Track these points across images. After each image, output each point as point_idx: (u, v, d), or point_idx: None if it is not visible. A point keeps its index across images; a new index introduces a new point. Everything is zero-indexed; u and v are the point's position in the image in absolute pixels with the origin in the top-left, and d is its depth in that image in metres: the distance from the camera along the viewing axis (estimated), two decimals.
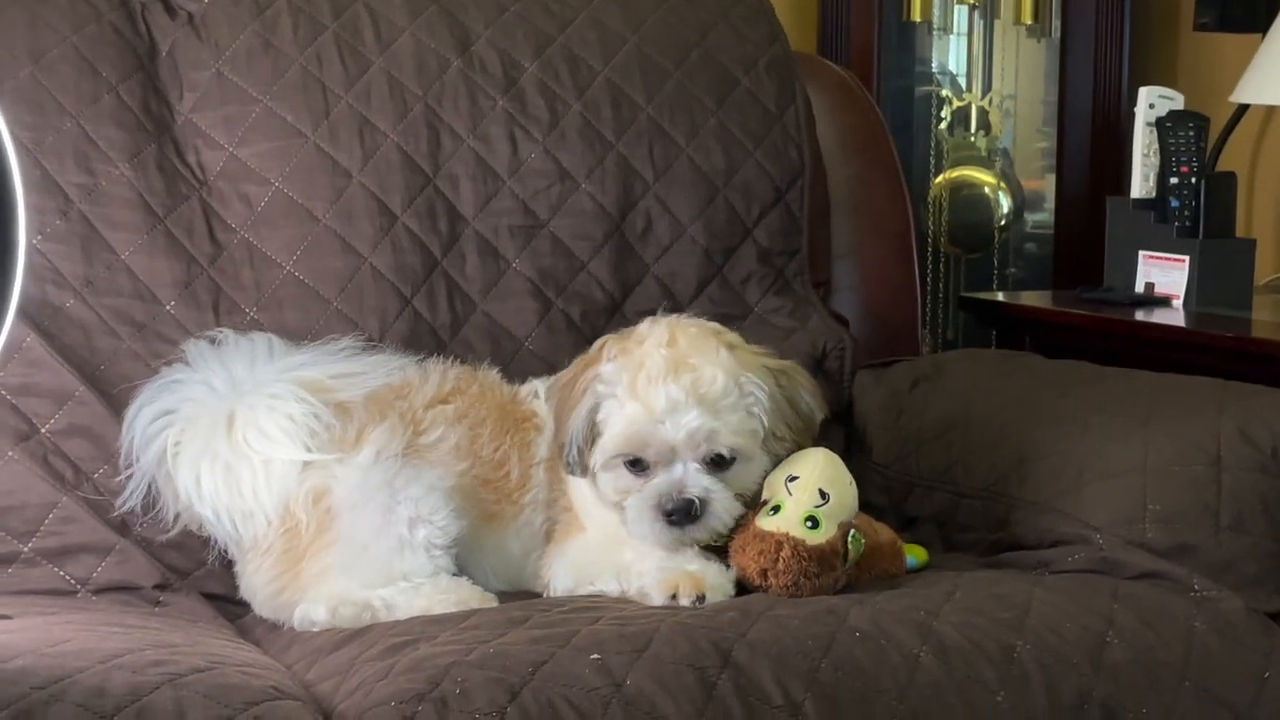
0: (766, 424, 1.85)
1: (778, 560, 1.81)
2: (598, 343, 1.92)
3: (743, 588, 1.84)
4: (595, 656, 1.62)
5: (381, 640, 1.71)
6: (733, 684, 1.61)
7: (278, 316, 2.14)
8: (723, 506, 1.83)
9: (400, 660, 1.63)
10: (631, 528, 1.84)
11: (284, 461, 1.88)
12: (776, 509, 1.84)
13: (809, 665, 1.62)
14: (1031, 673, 1.68)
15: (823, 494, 1.85)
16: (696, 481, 1.82)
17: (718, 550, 1.86)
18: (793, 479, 1.85)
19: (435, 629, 1.71)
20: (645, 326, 1.90)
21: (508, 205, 2.26)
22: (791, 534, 1.82)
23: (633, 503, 1.84)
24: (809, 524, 1.83)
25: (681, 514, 1.81)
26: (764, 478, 1.86)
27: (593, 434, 1.85)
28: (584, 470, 1.86)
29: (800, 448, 1.87)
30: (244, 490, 1.89)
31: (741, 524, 1.85)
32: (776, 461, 1.86)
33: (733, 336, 1.91)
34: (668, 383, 1.81)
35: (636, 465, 1.84)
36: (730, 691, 1.61)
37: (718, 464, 1.83)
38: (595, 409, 1.85)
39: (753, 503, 1.86)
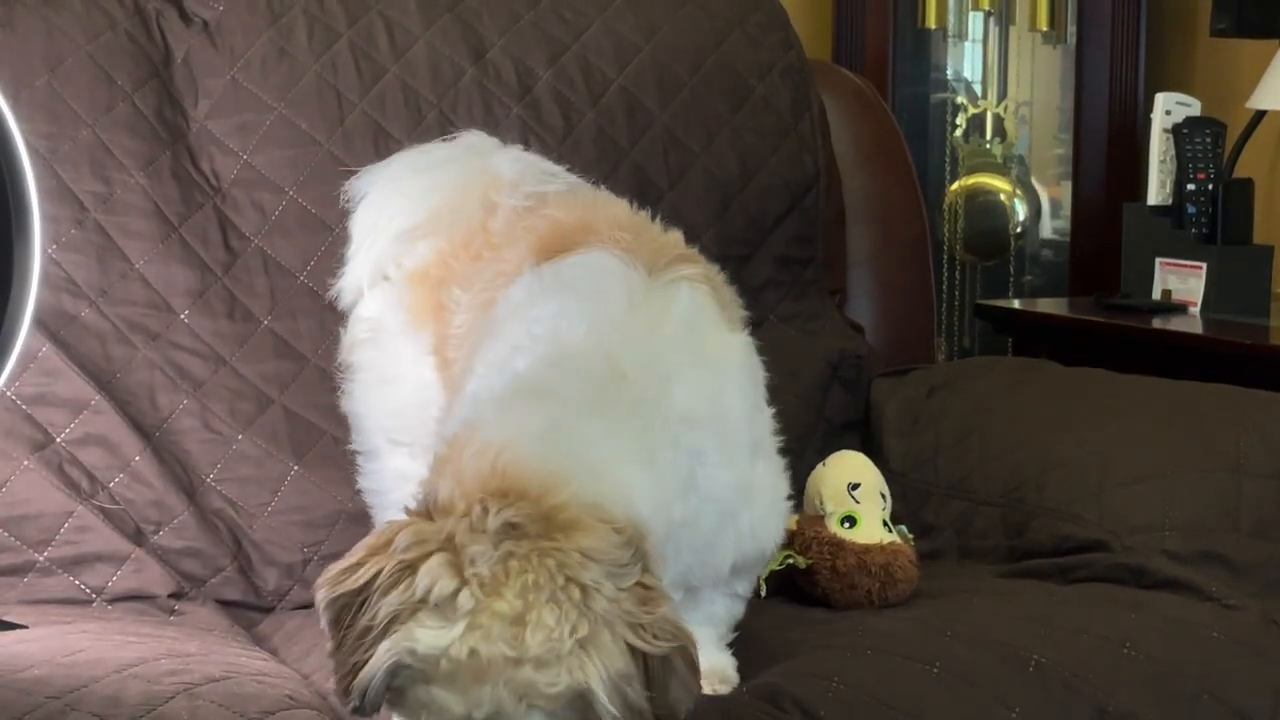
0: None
1: (895, 571, 1.81)
2: (386, 529, 1.42)
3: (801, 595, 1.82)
4: None
5: None
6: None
7: (292, 325, 2.13)
8: None
9: None
10: None
11: None
12: (851, 520, 1.84)
13: (822, 685, 1.59)
14: (1048, 686, 1.67)
15: (883, 496, 1.87)
16: None
17: (795, 575, 1.80)
18: (855, 486, 1.85)
19: None
20: (462, 526, 1.38)
21: None
22: (894, 542, 1.83)
23: None
24: (886, 529, 1.85)
25: None
26: None
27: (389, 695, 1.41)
28: (373, 712, 1.43)
29: None
30: None
31: (824, 545, 1.82)
32: None
33: (595, 573, 1.38)
34: (497, 685, 1.36)
35: None
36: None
37: None
38: (396, 674, 1.39)
39: None
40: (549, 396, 1.47)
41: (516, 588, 1.36)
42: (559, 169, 1.90)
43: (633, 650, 1.38)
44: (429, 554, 1.38)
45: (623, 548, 1.39)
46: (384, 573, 1.40)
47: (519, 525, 1.37)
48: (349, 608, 1.41)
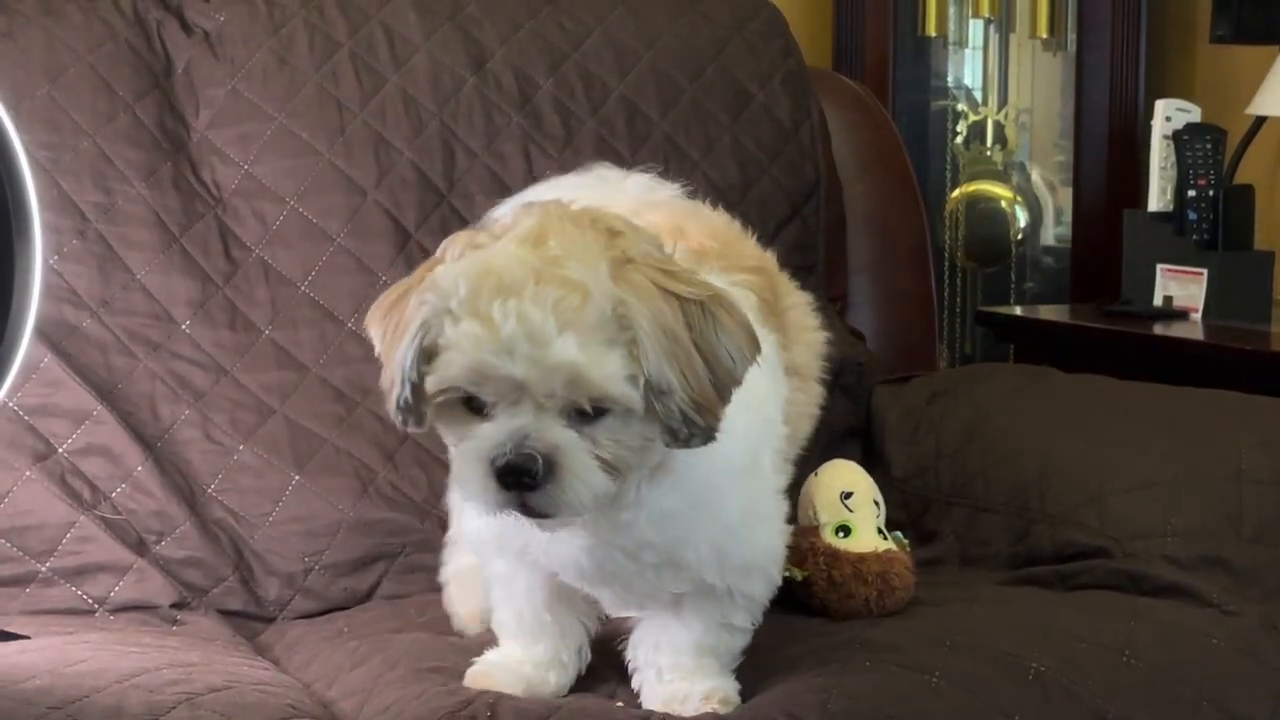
0: (652, 372, 1.36)
1: (892, 578, 1.81)
2: (446, 241, 1.45)
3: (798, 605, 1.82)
4: (619, 703, 1.61)
5: (404, 663, 1.70)
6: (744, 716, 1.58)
7: (293, 335, 2.14)
8: (579, 474, 1.37)
9: (430, 686, 1.62)
10: (458, 485, 1.42)
11: None
12: (845, 529, 1.84)
13: (819, 699, 1.57)
14: (1047, 695, 1.66)
15: (876, 503, 1.87)
16: (546, 434, 1.36)
17: (792, 587, 1.80)
18: (847, 494, 1.85)
19: (459, 658, 1.70)
20: (512, 214, 1.44)
21: None
22: (889, 550, 1.82)
23: (459, 451, 1.40)
24: (881, 536, 1.84)
25: (515, 475, 1.36)
26: (645, 444, 1.40)
27: (425, 366, 1.39)
28: (419, 419, 1.42)
29: (699, 410, 1.39)
30: None
31: (820, 556, 1.82)
32: (668, 430, 1.39)
33: (633, 241, 1.41)
34: (522, 298, 1.34)
35: (473, 405, 1.39)
36: None
37: (582, 416, 1.37)
38: (427, 329, 1.39)
39: (625, 473, 1.41)
40: None
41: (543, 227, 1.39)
42: (682, 189, 1.87)
43: (665, 292, 1.37)
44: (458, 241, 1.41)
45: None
46: (423, 269, 1.42)
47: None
48: (393, 312, 1.43)
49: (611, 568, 1.51)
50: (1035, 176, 3.34)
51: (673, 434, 1.39)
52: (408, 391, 1.39)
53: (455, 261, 1.40)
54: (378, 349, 1.45)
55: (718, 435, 1.41)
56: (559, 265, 1.35)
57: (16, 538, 1.93)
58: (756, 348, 1.42)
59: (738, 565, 1.55)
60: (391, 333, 1.42)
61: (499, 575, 1.63)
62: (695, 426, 1.39)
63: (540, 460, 1.35)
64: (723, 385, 1.40)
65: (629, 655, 1.63)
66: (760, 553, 1.58)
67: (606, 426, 1.38)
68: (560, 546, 1.51)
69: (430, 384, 1.38)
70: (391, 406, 1.41)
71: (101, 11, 2.18)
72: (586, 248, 1.37)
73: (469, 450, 1.38)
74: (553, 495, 1.37)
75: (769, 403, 1.59)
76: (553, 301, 1.34)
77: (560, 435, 1.36)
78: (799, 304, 1.79)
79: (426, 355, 1.38)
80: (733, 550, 1.54)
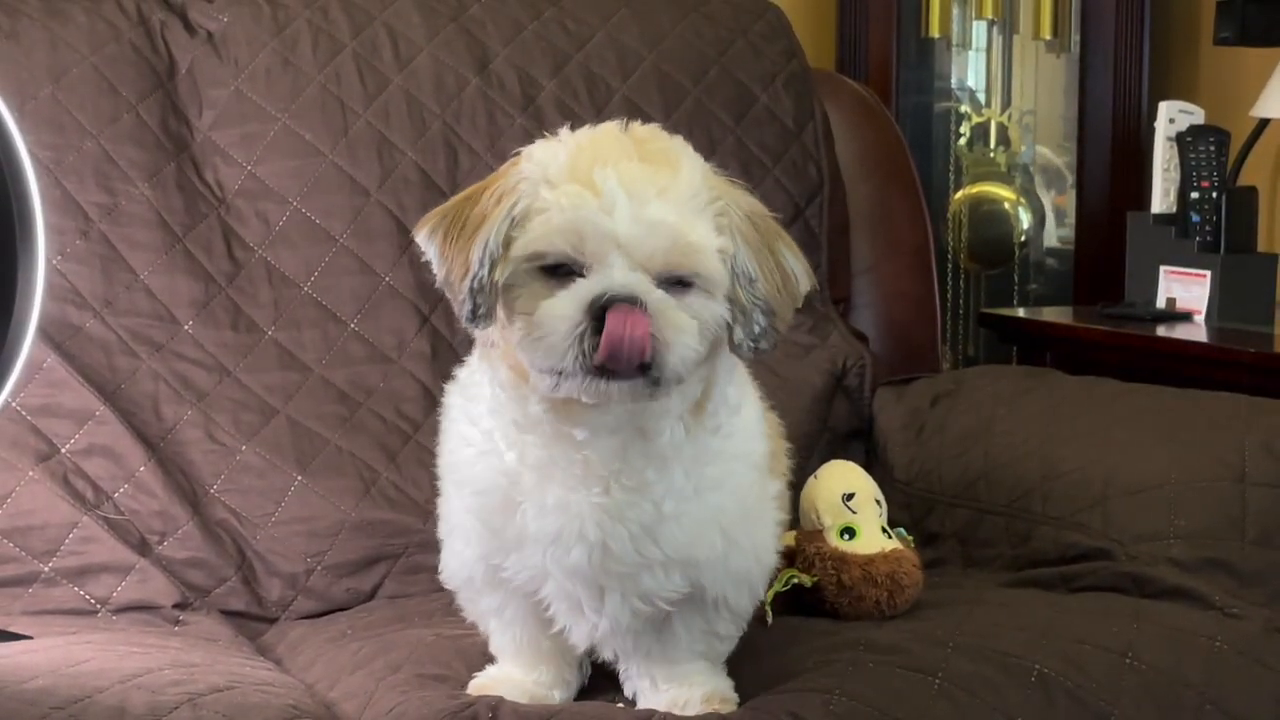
0: (739, 256, 1.39)
1: (901, 577, 1.81)
2: (513, 156, 1.44)
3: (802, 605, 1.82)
4: (620, 704, 1.61)
5: (407, 665, 1.70)
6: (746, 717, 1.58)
7: (296, 336, 2.14)
8: (683, 328, 1.35)
9: (433, 689, 1.62)
10: (534, 348, 1.34)
11: None
12: (850, 531, 1.83)
13: (822, 699, 1.58)
14: (1050, 697, 1.66)
15: (878, 502, 1.86)
16: (644, 288, 1.34)
17: (802, 593, 1.80)
18: (849, 496, 1.85)
19: (461, 660, 1.70)
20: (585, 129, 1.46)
21: None
22: (895, 549, 1.82)
23: (550, 304, 1.34)
24: (886, 535, 1.84)
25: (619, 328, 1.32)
26: (720, 331, 1.40)
27: (509, 242, 1.36)
28: (490, 307, 1.38)
29: (771, 311, 1.41)
30: None
31: (827, 560, 1.81)
32: (744, 319, 1.40)
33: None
34: (621, 166, 1.36)
35: (561, 272, 1.36)
36: None
37: (670, 285, 1.37)
38: (518, 198, 1.37)
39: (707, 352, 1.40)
40: None
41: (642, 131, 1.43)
42: None
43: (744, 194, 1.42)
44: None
45: None
46: (488, 180, 1.42)
47: None
48: (458, 214, 1.41)
49: (614, 563, 1.49)
50: (1038, 178, 3.34)
51: (747, 328, 1.41)
52: (485, 269, 1.36)
53: (543, 144, 1.41)
54: (432, 252, 1.43)
55: (778, 340, 1.43)
56: (652, 142, 1.41)
57: (19, 538, 1.93)
58: (812, 278, 1.46)
59: (734, 570, 1.55)
60: (458, 230, 1.40)
61: (489, 609, 1.62)
62: (766, 326, 1.42)
63: (644, 303, 1.33)
64: (789, 297, 1.44)
65: (621, 669, 1.63)
66: (756, 557, 1.58)
67: (692, 302, 1.37)
68: (571, 522, 1.47)
69: (519, 248, 1.36)
70: (463, 294, 1.38)
71: (105, 12, 2.18)
72: (673, 141, 1.43)
73: (562, 299, 1.34)
74: (659, 370, 1.34)
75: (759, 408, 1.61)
76: (650, 171, 1.36)
77: (661, 294, 1.35)
78: None
79: (515, 224, 1.37)
80: (733, 551, 1.54)
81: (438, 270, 1.43)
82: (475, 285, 1.37)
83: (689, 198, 1.37)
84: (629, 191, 1.34)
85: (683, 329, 1.35)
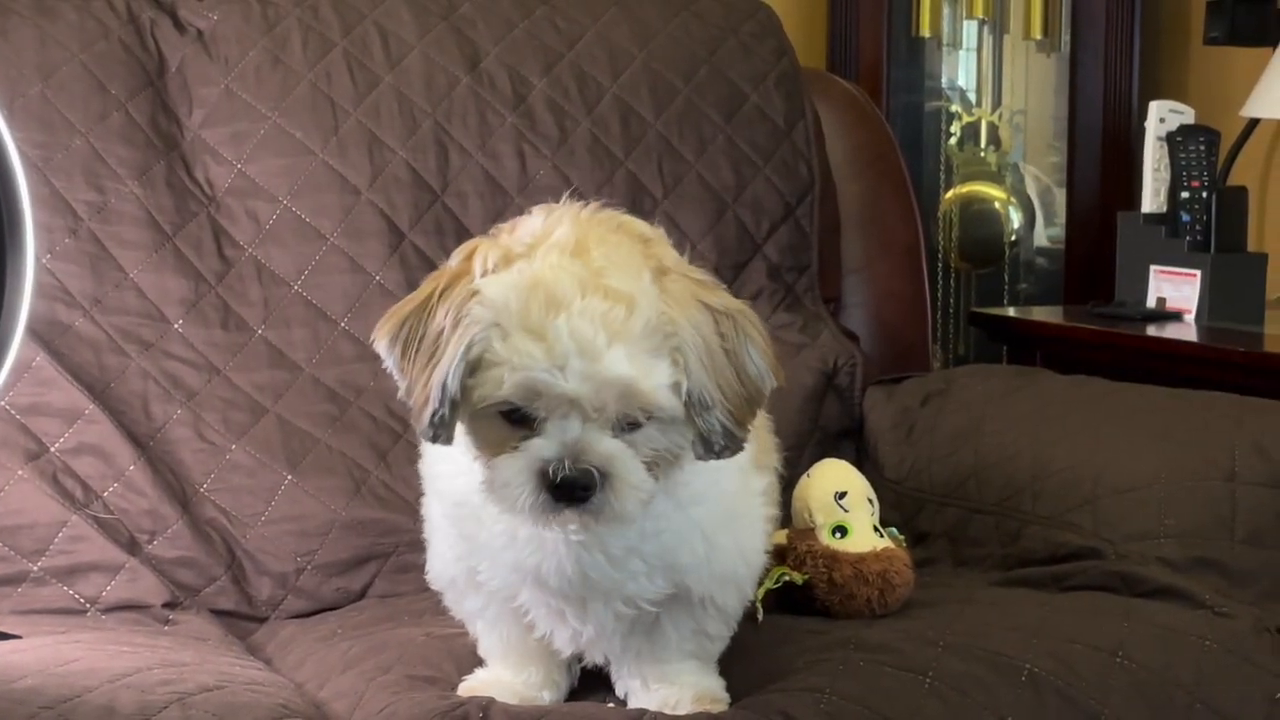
0: (695, 385, 1.39)
1: (892, 576, 1.81)
2: (463, 249, 1.45)
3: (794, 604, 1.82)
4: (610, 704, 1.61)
5: (397, 666, 1.70)
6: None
7: (286, 335, 2.13)
8: (634, 482, 1.38)
9: (423, 690, 1.62)
10: (494, 494, 1.40)
11: None
12: (842, 530, 1.83)
13: (813, 698, 1.58)
14: (1040, 696, 1.66)
15: (870, 501, 1.86)
16: (598, 445, 1.37)
17: (793, 591, 1.80)
18: (841, 494, 1.85)
19: (451, 660, 1.70)
20: (537, 220, 1.44)
21: None
22: (887, 547, 1.82)
23: (504, 463, 1.38)
24: (877, 533, 1.84)
25: (569, 490, 1.37)
26: (678, 452, 1.42)
27: (469, 379, 1.38)
28: (450, 436, 1.41)
29: (737, 422, 1.42)
30: None
31: (819, 559, 1.81)
32: (703, 441, 1.42)
33: (663, 248, 1.46)
34: (573, 313, 1.35)
35: (514, 417, 1.39)
36: None
37: (625, 426, 1.39)
38: (472, 344, 1.38)
39: (660, 475, 1.42)
40: None
41: (583, 235, 1.40)
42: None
43: (701, 304, 1.40)
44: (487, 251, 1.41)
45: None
46: (444, 280, 1.42)
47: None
48: (415, 326, 1.41)
49: (593, 583, 1.49)
50: (1029, 178, 3.34)
51: (707, 445, 1.42)
52: (446, 409, 1.38)
53: (495, 274, 1.40)
54: (391, 363, 1.44)
55: (745, 447, 1.44)
56: (605, 276, 1.37)
57: (8, 537, 1.93)
58: (779, 365, 1.45)
59: (719, 571, 1.55)
60: (415, 347, 1.42)
61: (474, 611, 1.62)
62: (730, 438, 1.42)
63: (596, 475, 1.37)
64: (752, 399, 1.43)
65: (613, 669, 1.63)
66: (743, 558, 1.58)
67: (646, 435, 1.40)
68: (547, 558, 1.48)
69: (476, 397, 1.38)
70: (424, 422, 1.40)
71: (95, 10, 2.17)
72: (628, 257, 1.40)
73: (519, 464, 1.38)
74: (609, 505, 1.38)
75: None
76: (601, 314, 1.35)
77: (612, 445, 1.38)
78: None
79: (470, 369, 1.38)
80: (716, 554, 1.53)
81: (399, 383, 1.44)
82: (436, 420, 1.40)
83: (643, 338, 1.37)
84: (580, 346, 1.34)
85: (635, 484, 1.38)
